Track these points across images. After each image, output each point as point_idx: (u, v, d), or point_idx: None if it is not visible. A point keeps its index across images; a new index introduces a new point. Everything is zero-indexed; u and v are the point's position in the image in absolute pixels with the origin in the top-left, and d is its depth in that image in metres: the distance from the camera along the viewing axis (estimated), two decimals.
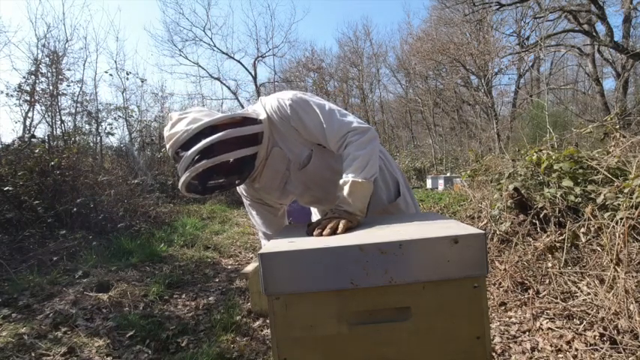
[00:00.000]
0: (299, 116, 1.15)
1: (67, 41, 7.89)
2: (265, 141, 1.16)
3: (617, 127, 3.36)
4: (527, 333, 2.04)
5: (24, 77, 6.83)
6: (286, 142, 1.19)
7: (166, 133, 1.12)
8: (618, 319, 1.78)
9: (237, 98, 15.49)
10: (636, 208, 2.09)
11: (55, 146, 5.29)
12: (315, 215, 1.55)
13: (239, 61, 15.42)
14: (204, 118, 1.09)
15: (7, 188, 3.85)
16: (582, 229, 2.41)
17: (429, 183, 10.70)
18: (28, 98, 6.73)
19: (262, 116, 1.17)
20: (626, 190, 2.27)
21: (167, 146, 1.12)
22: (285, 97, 1.17)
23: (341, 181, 1.08)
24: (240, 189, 1.35)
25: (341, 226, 0.95)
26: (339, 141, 1.14)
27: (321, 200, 1.33)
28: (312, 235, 0.95)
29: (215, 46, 15.07)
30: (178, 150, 1.09)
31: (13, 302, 2.54)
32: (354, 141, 1.11)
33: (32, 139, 5.06)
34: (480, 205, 3.61)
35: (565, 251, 2.39)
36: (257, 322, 2.44)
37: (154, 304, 2.68)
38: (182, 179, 1.08)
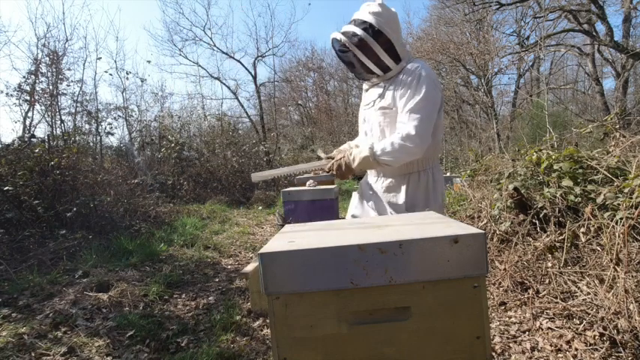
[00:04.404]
0: (413, 81, 1.41)
1: (67, 41, 7.86)
2: (386, 76, 1.50)
3: (617, 126, 3.36)
4: (527, 333, 2.04)
5: (24, 77, 6.80)
6: (393, 86, 1.48)
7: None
8: (618, 318, 1.78)
9: (237, 98, 15.39)
10: (636, 208, 2.09)
11: (55, 146, 5.27)
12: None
13: (239, 61, 15.23)
14: (385, 28, 1.43)
15: (7, 188, 3.85)
16: (582, 229, 2.41)
17: None
18: (28, 98, 6.71)
19: (404, 64, 1.48)
20: (626, 190, 2.27)
21: (364, 5, 1.47)
22: (428, 68, 1.45)
23: (366, 144, 1.44)
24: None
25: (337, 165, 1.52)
26: (400, 121, 1.41)
27: (362, 142, 1.64)
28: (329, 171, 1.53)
29: (215, 45, 14.86)
30: (363, 21, 1.43)
31: (13, 302, 2.54)
32: (403, 141, 1.35)
33: (32, 139, 5.05)
34: (479, 205, 3.61)
35: (565, 251, 2.39)
36: (257, 322, 2.44)
37: (153, 303, 2.68)
38: (346, 28, 1.45)
